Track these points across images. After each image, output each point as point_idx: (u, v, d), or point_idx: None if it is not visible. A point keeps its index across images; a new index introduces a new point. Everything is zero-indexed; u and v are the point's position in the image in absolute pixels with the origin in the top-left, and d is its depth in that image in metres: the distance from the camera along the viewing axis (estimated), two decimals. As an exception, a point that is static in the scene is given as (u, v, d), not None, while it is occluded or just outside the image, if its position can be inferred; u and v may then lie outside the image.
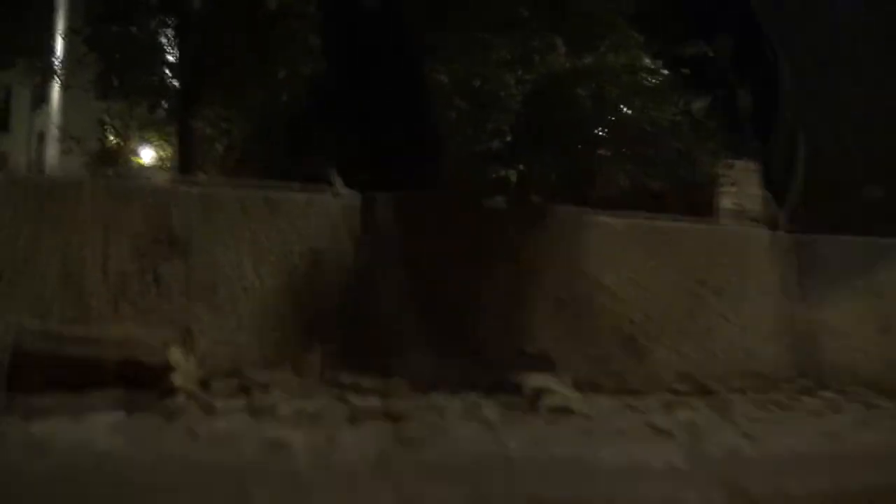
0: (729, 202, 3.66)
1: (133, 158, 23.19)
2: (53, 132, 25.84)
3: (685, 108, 4.06)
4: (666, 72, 11.35)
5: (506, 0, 13.53)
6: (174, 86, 17.19)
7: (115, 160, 22.85)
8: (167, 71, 17.35)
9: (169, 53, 17.23)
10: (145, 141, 22.35)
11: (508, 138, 16.35)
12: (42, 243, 2.44)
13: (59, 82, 19.99)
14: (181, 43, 16.43)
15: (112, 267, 2.49)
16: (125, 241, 2.52)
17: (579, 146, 4.12)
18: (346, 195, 2.80)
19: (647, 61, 12.73)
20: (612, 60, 12.56)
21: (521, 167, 17.32)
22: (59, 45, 19.67)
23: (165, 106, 18.07)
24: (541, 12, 13.63)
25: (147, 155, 22.85)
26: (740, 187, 3.82)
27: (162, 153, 22.45)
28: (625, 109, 10.18)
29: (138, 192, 2.71)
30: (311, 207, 2.76)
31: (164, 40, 17.11)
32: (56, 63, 18.80)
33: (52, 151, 26.69)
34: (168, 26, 16.68)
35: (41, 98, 28.74)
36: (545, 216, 2.98)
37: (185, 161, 16.82)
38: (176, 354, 2.29)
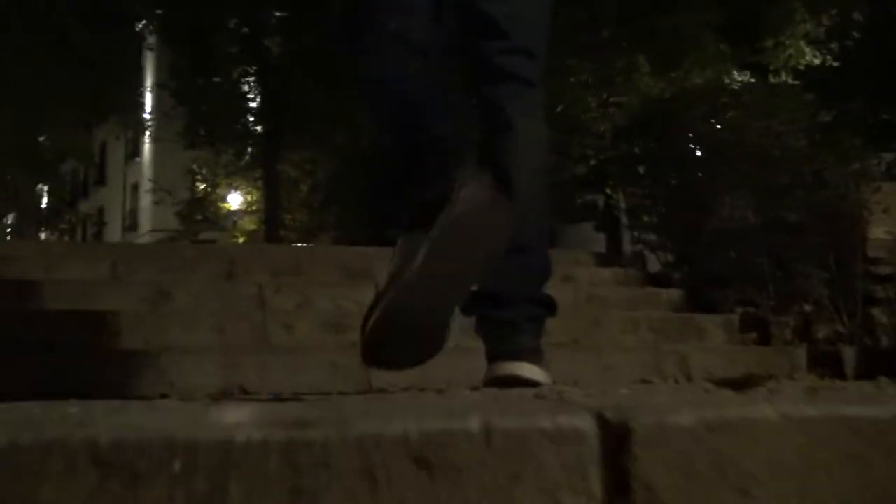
0: (881, 231, 3.29)
1: (221, 205, 23.78)
2: (146, 183, 26.79)
3: (813, 122, 3.75)
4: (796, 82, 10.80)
5: (586, 22, 13.22)
6: (258, 131, 17.54)
7: (204, 207, 23.46)
8: (251, 118, 17.72)
9: (251, 101, 17.60)
10: (233, 187, 22.87)
11: (593, 162, 16.00)
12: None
13: (150, 135, 20.67)
14: (263, 89, 16.76)
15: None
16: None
17: (695, 174, 3.87)
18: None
19: (737, 75, 12.17)
20: (701, 77, 12.05)
21: (609, 192, 16.95)
22: (148, 100, 20.37)
23: (250, 152, 18.45)
24: (623, 31, 13.26)
25: (235, 200, 23.38)
26: (892, 213, 3.43)
27: (249, 197, 22.94)
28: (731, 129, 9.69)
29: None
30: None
31: (246, 88, 17.49)
32: (146, 117, 19.45)
33: (144, 202, 27.66)
34: (249, 74, 17.04)
35: (134, 151, 29.92)
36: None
37: (271, 204, 17.09)
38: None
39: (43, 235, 33.55)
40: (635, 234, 4.69)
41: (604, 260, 4.62)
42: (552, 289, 3.60)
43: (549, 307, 1.83)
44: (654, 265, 4.62)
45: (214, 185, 23.63)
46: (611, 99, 13.81)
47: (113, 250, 4.11)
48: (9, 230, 30.25)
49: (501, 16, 1.61)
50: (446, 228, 1.26)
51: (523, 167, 1.55)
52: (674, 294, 3.76)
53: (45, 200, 28.63)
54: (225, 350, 2.57)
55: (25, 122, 15.55)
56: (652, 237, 4.62)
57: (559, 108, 13.97)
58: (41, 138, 18.62)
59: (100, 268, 3.42)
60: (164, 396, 2.33)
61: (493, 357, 1.69)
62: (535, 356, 1.66)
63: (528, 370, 1.60)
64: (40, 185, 25.85)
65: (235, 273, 3.73)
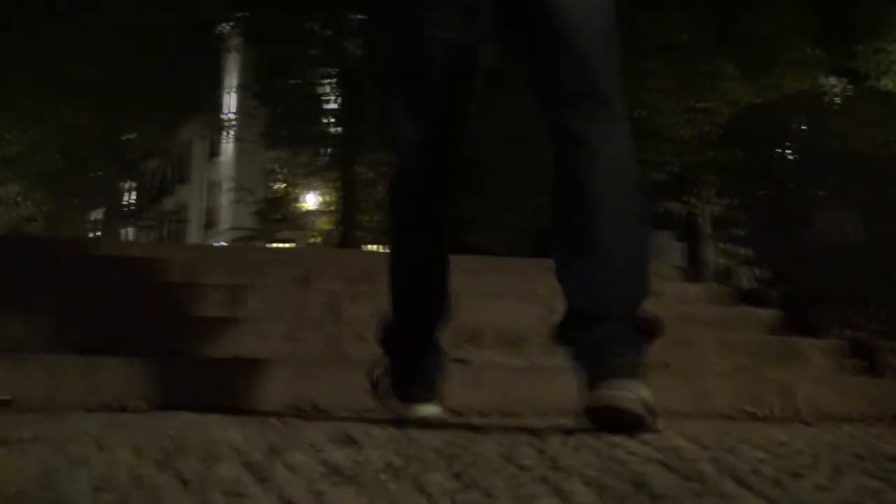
0: None
1: (298, 205, 24.11)
2: (226, 182, 27.39)
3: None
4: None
5: (665, 24, 12.84)
6: (336, 133, 17.69)
7: (281, 207, 23.82)
8: (329, 119, 17.90)
9: (330, 102, 17.77)
10: (310, 187, 23.15)
11: (675, 169, 15.56)
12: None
13: (232, 135, 21.10)
14: (342, 91, 16.89)
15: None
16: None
17: (793, 185, 3.64)
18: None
19: (831, 80, 11.63)
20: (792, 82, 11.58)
21: (692, 200, 16.45)
22: (232, 101, 20.80)
23: (328, 153, 18.64)
24: (704, 35, 12.84)
25: (312, 200, 23.66)
26: None
27: (326, 198, 23.20)
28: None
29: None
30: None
31: (325, 90, 17.66)
32: (229, 117, 19.87)
33: (224, 201, 28.29)
34: (329, 76, 17.20)
35: (215, 150, 30.66)
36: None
37: (348, 205, 17.23)
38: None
39: (130, 231, 34.71)
40: (724, 246, 4.42)
41: (691, 274, 4.37)
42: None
43: (646, 331, 1.64)
44: (741, 279, 4.36)
45: (292, 186, 23.98)
46: (696, 105, 13.39)
47: (185, 252, 4.09)
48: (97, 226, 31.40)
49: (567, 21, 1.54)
50: None
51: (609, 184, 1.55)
52: (770, 314, 3.50)
53: (129, 197, 29.58)
54: (297, 361, 2.47)
55: (112, 122, 16.04)
56: (742, 251, 4.37)
57: (638, 114, 13.64)
58: (131, 136, 19.21)
59: (172, 270, 3.38)
60: (235, 408, 2.23)
61: (590, 383, 1.56)
62: (633, 373, 1.54)
63: (626, 400, 1.47)
64: (126, 183, 26.71)
65: (309, 279, 3.64)
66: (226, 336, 2.71)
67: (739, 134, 4.29)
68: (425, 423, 1.77)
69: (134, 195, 29.84)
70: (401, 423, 1.76)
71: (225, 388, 2.29)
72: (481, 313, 3.15)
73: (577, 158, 1.56)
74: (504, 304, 3.31)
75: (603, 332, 1.56)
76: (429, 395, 1.90)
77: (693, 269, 15.56)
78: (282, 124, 17.91)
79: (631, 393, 1.47)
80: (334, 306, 3.15)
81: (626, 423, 1.43)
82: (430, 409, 1.88)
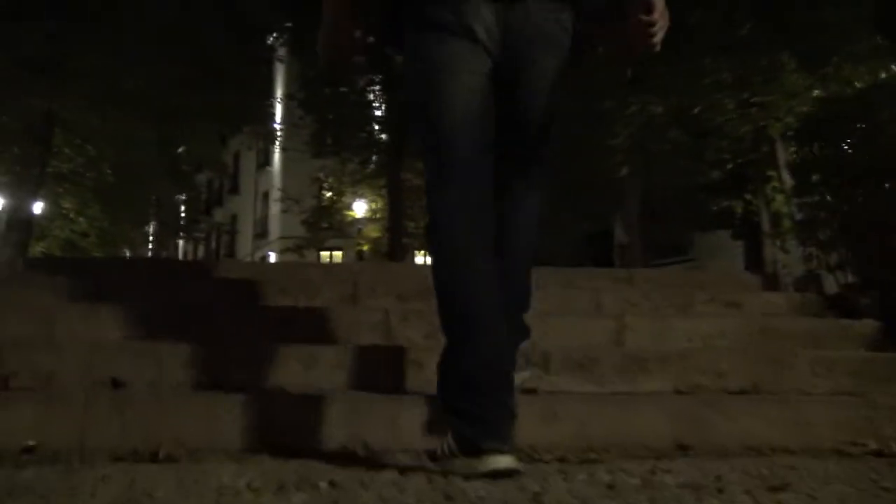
0: None
1: (346, 213, 24.05)
2: (276, 192, 27.50)
3: None
4: None
5: (721, 21, 12.39)
6: (382, 140, 17.56)
7: (329, 215, 23.80)
8: (375, 126, 17.77)
9: (376, 109, 17.64)
10: (357, 195, 23.06)
11: (730, 167, 15.03)
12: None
13: (279, 145, 21.13)
14: (387, 98, 16.75)
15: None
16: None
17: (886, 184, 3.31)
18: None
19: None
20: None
21: (748, 197, 15.88)
22: (278, 111, 20.86)
23: (375, 160, 18.52)
24: (763, 28, 12.35)
25: (360, 208, 23.57)
26: None
27: (374, 205, 23.10)
28: None
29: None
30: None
31: (371, 97, 17.55)
32: (276, 127, 19.90)
33: (274, 210, 28.43)
34: (375, 84, 17.08)
35: (265, 160, 30.84)
36: None
37: (395, 212, 17.07)
38: None
39: (180, 244, 35.11)
40: (809, 250, 4.07)
41: (770, 281, 4.02)
42: (716, 316, 3.04)
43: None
44: (823, 285, 4.00)
45: (340, 194, 23.93)
46: (752, 99, 12.90)
47: (233, 269, 3.90)
48: (150, 239, 31.81)
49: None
50: None
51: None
52: (867, 326, 3.15)
53: (182, 210, 29.88)
54: (347, 394, 2.23)
55: (166, 135, 16.16)
56: (818, 253, 4.02)
57: (695, 111, 13.19)
58: (180, 150, 19.36)
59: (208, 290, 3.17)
60: (273, 446, 2.00)
61: None
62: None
63: None
64: (178, 196, 26.98)
65: (359, 295, 3.41)
66: (268, 364, 2.49)
67: (834, 126, 3.92)
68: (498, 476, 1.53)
69: (184, 207, 30.13)
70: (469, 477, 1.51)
71: (270, 428, 2.06)
72: (547, 332, 2.88)
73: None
74: (571, 320, 3.03)
75: None
76: (501, 444, 1.65)
77: (755, 270, 15.02)
78: (327, 132, 17.85)
79: None
80: (386, 325, 2.91)
81: None
82: (504, 462, 1.63)
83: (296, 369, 2.50)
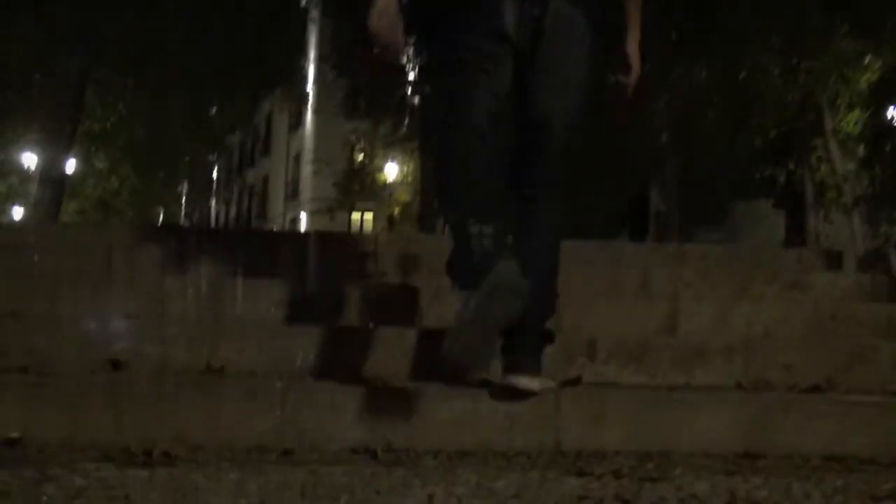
0: None
1: (378, 175, 23.80)
2: (307, 154, 27.32)
3: None
4: None
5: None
6: (415, 102, 17.24)
7: (361, 178, 23.58)
8: (409, 88, 17.45)
9: (410, 71, 17.30)
10: (390, 158, 22.80)
11: (773, 134, 14.48)
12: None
13: (311, 107, 20.90)
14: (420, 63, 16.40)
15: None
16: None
17: None
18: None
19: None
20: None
21: (791, 166, 15.32)
22: (311, 73, 20.57)
23: (407, 122, 18.23)
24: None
25: (391, 171, 23.31)
26: None
27: (406, 168, 22.81)
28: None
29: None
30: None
31: (404, 59, 17.20)
32: (308, 89, 19.65)
33: (305, 172, 28.27)
34: (408, 45, 16.70)
35: (297, 122, 30.63)
36: None
37: (426, 175, 16.82)
38: None
39: (212, 204, 35.20)
40: (876, 227, 3.72)
41: (831, 259, 3.68)
42: (780, 300, 2.72)
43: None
44: (891, 264, 3.67)
45: (372, 157, 23.68)
46: (801, 64, 12.34)
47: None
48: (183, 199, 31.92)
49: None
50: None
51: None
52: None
53: (214, 171, 29.88)
54: (367, 389, 1.98)
55: (198, 97, 16.06)
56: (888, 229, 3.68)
57: (741, 76, 12.64)
58: (212, 111, 19.25)
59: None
60: (287, 452, 1.78)
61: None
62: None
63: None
64: (210, 156, 26.93)
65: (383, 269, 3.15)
66: (281, 352, 2.25)
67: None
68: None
69: (216, 168, 30.12)
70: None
71: (282, 428, 1.84)
72: (592, 316, 2.61)
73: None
74: (619, 303, 2.75)
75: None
76: (532, 362, 1.94)
77: (798, 239, 14.46)
78: (360, 94, 17.60)
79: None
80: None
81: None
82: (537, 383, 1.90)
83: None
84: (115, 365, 2.11)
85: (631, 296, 2.94)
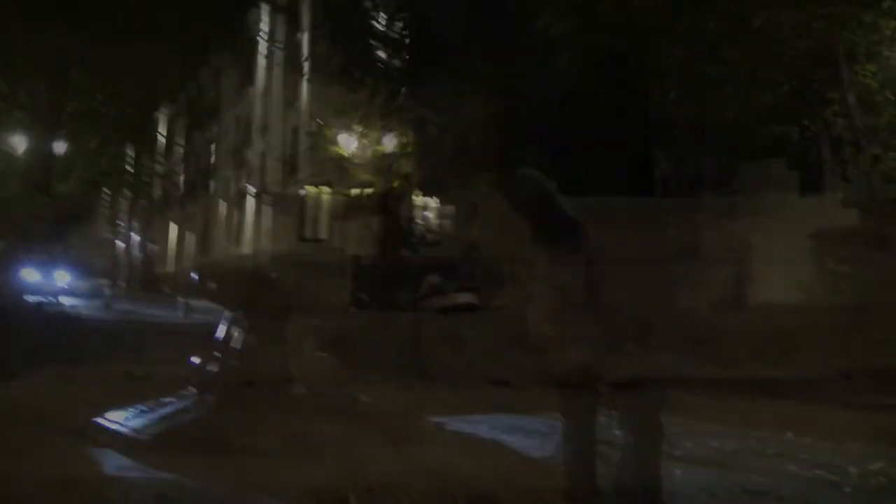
0: None
1: (378, 147, 23.24)
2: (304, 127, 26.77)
3: None
4: None
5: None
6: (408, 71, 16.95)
7: (360, 151, 23.05)
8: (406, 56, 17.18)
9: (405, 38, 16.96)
10: (387, 129, 22.28)
11: (786, 87, 13.81)
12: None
13: (305, 78, 20.49)
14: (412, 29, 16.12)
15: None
16: None
17: None
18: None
19: None
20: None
21: (806, 122, 14.59)
22: (304, 43, 20.10)
23: (404, 91, 17.90)
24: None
25: (390, 143, 22.80)
26: None
27: (404, 139, 22.25)
28: None
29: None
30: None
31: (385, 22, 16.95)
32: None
33: (303, 146, 27.67)
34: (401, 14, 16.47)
35: (293, 95, 29.99)
36: None
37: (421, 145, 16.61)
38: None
39: (212, 184, 34.67)
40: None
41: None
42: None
43: None
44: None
45: (368, 128, 23.20)
46: (819, 11, 11.68)
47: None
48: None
49: None
50: None
51: None
52: None
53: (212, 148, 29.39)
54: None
55: (186, 66, 15.70)
56: None
57: (755, 25, 11.96)
58: (204, 83, 18.80)
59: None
60: None
61: None
62: None
63: None
64: (206, 134, 26.41)
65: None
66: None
67: None
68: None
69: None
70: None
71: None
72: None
73: None
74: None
75: None
76: None
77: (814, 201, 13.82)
78: (355, 65, 17.27)
79: None
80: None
81: None
82: None
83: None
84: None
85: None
